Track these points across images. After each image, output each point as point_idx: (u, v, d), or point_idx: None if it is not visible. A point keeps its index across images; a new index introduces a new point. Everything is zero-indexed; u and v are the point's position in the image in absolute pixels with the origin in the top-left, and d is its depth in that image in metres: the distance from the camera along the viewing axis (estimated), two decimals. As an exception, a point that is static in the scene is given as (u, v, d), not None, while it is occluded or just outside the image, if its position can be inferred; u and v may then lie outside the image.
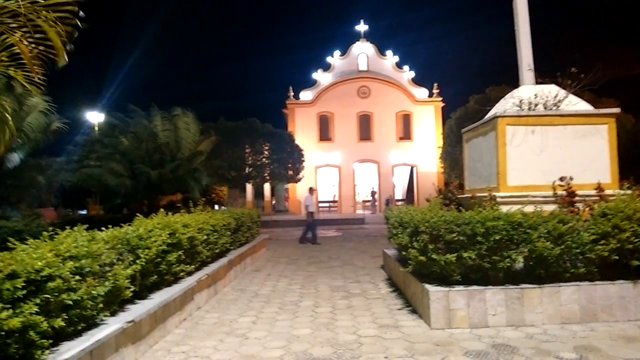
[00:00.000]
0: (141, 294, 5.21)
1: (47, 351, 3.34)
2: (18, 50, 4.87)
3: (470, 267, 5.29)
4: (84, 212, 24.24)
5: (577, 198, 6.31)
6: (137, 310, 4.73)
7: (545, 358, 4.21)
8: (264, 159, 27.71)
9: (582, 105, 7.53)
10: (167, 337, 5.14)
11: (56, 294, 3.48)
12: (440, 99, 35.19)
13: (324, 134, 34.97)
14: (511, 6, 8.37)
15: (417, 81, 35.67)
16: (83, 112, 25.95)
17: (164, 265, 5.68)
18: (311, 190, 16.65)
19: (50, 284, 3.43)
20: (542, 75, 7.95)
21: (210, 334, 5.26)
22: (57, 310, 3.54)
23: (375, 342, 4.80)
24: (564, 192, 6.45)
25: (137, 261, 5.00)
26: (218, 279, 7.63)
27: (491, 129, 7.38)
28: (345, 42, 37.11)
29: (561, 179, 6.61)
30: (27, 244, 3.80)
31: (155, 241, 5.40)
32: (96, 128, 22.96)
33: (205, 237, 7.35)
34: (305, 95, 35.16)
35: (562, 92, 7.51)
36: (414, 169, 35.02)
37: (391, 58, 35.65)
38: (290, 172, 28.40)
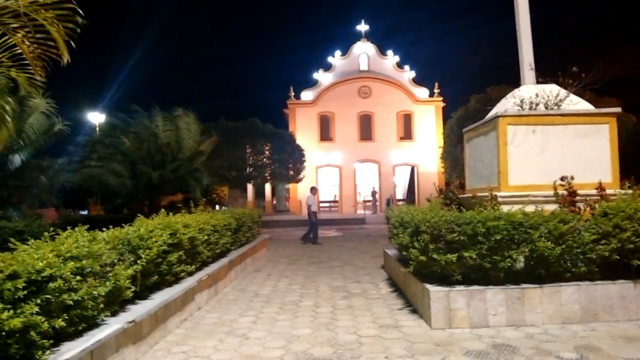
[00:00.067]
0: (142, 294, 5.22)
1: (48, 351, 3.34)
2: (19, 51, 4.89)
3: (471, 267, 5.29)
4: (85, 212, 24.29)
5: (578, 198, 6.30)
6: (138, 310, 4.73)
7: (545, 358, 4.20)
8: (264, 159, 27.72)
9: (583, 105, 7.52)
10: (167, 337, 5.15)
11: (57, 294, 3.49)
12: (441, 98, 35.16)
13: (325, 134, 34.96)
14: (512, 6, 8.37)
15: (417, 81, 35.67)
16: (84, 113, 26.01)
17: (165, 266, 5.68)
18: (313, 189, 16.65)
19: (51, 285, 3.44)
20: (543, 75, 7.95)
21: (211, 334, 5.26)
22: (58, 310, 3.54)
23: (376, 342, 4.80)
24: (565, 192, 6.44)
25: (138, 261, 5.00)
26: (218, 279, 7.64)
27: (492, 129, 7.38)
28: (346, 42, 37.17)
29: (562, 178, 6.60)
30: (28, 245, 3.80)
31: (156, 241, 5.40)
32: (97, 128, 22.98)
33: (206, 237, 7.36)
34: (306, 95, 35.16)
35: (563, 92, 7.50)
36: (415, 168, 35.01)
37: (392, 58, 35.63)
38: (291, 172, 28.40)
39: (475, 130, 8.28)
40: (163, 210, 6.88)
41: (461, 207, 7.38)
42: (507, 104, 7.80)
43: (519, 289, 5.20)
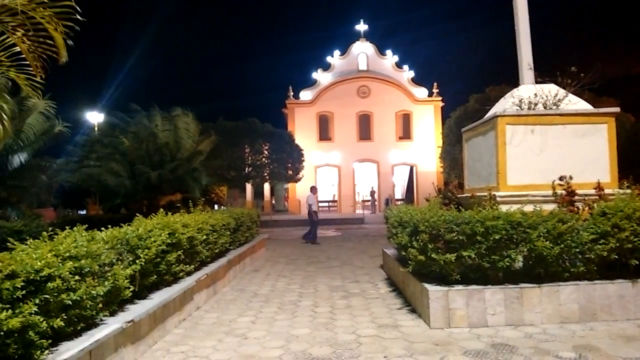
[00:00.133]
0: (140, 294, 5.21)
1: (47, 351, 3.34)
2: (18, 51, 4.88)
3: (470, 267, 5.29)
4: (84, 212, 24.27)
5: (576, 197, 6.32)
6: (137, 310, 4.73)
7: (544, 357, 4.21)
8: (263, 159, 27.71)
9: (582, 105, 7.53)
10: (166, 337, 5.14)
11: (55, 294, 3.48)
12: (440, 98, 35.18)
13: (324, 134, 34.96)
14: (511, 6, 8.37)
15: (416, 81, 35.68)
16: (83, 112, 26.00)
17: (164, 265, 5.68)
18: (313, 189, 16.64)
19: (50, 284, 3.43)
20: (542, 75, 7.96)
21: (210, 334, 5.26)
22: (57, 310, 3.54)
23: (375, 341, 4.80)
24: (564, 192, 6.46)
25: (137, 261, 5.00)
26: (217, 279, 7.63)
27: (491, 129, 7.38)
28: (345, 41, 37.16)
29: (561, 178, 6.61)
30: (26, 244, 3.80)
31: (155, 241, 5.40)
32: (96, 128, 22.96)
33: (204, 237, 7.35)
34: (305, 95, 35.15)
35: (561, 92, 7.51)
36: (414, 168, 35.03)
37: (391, 58, 35.63)
38: (290, 172, 28.40)
39: (474, 130, 8.29)
40: (162, 210, 6.88)
41: (460, 207, 7.39)
42: (506, 104, 7.81)
43: (518, 288, 5.21)
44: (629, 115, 21.04)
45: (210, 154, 15.47)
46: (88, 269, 3.99)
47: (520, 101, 7.49)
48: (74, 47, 4.87)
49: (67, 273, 3.66)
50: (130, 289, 4.74)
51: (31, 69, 4.92)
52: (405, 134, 35.10)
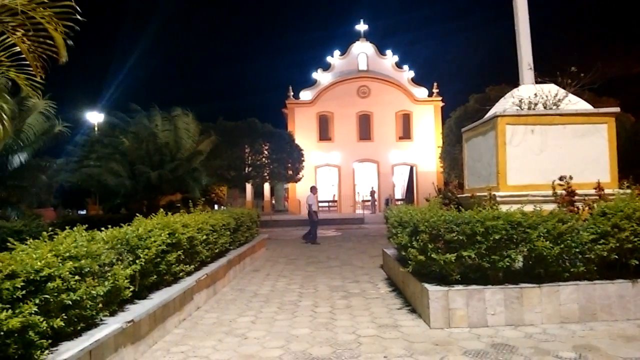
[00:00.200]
0: (140, 294, 5.21)
1: (47, 351, 3.34)
2: (18, 50, 4.88)
3: (470, 267, 5.29)
4: (84, 212, 24.27)
5: (576, 197, 6.32)
6: (137, 310, 4.73)
7: (544, 357, 4.21)
8: (263, 159, 27.71)
9: (582, 105, 7.53)
10: (166, 337, 5.14)
11: (55, 294, 3.48)
12: (440, 98, 35.18)
13: (324, 134, 34.96)
14: (511, 6, 8.37)
15: (416, 81, 35.68)
16: (83, 112, 26.00)
17: (164, 265, 5.68)
18: (313, 189, 16.64)
19: (50, 284, 3.43)
20: (542, 75, 7.96)
21: (210, 334, 5.26)
22: (57, 310, 3.54)
23: (375, 341, 4.80)
24: (564, 192, 6.46)
25: (137, 261, 5.00)
26: (217, 279, 7.63)
27: (491, 129, 7.38)
28: (345, 41, 37.16)
29: (561, 178, 6.61)
30: (26, 244, 3.80)
31: (155, 241, 5.40)
32: (96, 128, 22.96)
33: (204, 237, 7.35)
34: (305, 95, 35.15)
35: (561, 92, 7.51)
36: (414, 168, 35.03)
37: (391, 58, 35.63)
38: (290, 172, 28.40)
39: (474, 130, 8.29)
40: (162, 210, 6.88)
41: (460, 207, 7.39)
42: (506, 104, 7.81)
43: (518, 288, 5.21)
44: (629, 115, 21.04)
45: (210, 154, 15.47)
46: (88, 269, 3.99)
47: (520, 101, 7.49)
48: (74, 47, 4.87)
49: (67, 273, 3.66)
50: (130, 289, 4.74)
51: (31, 69, 4.92)
52: (405, 134, 35.10)
